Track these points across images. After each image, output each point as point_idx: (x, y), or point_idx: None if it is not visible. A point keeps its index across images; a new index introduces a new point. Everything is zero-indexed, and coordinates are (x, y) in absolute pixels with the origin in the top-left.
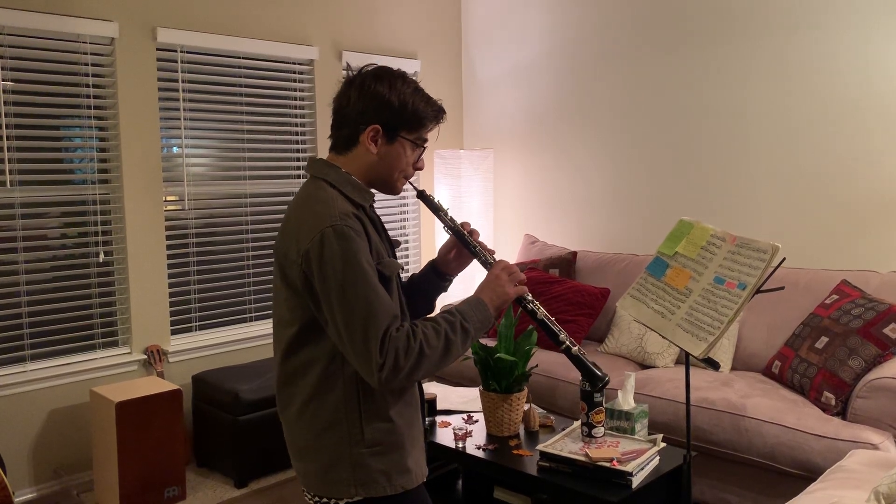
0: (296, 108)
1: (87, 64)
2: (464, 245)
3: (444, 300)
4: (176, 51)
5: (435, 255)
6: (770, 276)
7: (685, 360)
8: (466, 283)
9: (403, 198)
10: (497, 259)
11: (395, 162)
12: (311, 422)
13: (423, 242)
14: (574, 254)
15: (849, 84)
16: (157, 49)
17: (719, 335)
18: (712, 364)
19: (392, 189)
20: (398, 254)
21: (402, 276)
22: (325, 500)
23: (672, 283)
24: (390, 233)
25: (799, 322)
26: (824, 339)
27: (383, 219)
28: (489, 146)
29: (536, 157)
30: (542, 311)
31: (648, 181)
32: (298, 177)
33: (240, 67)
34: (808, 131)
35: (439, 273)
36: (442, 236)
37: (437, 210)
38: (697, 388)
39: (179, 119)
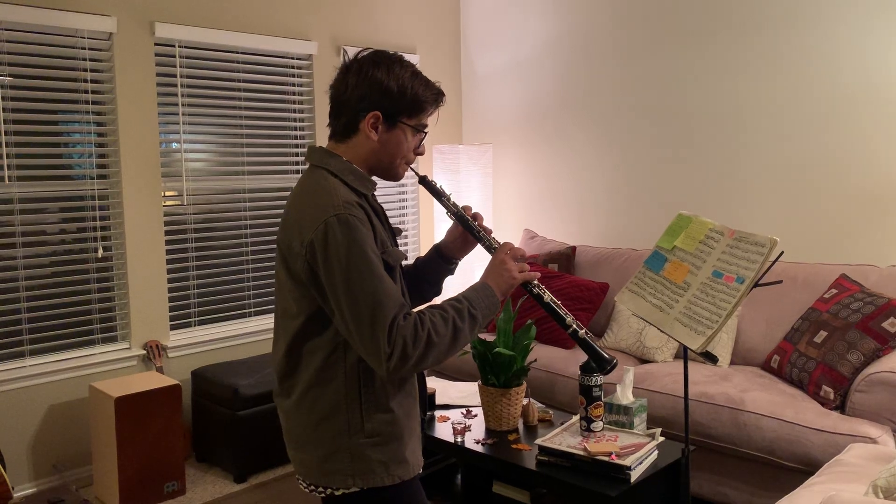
0: (294, 102)
1: (84, 59)
2: (467, 230)
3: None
4: (174, 46)
5: (435, 242)
6: (768, 269)
7: (684, 354)
8: (466, 273)
9: (402, 185)
10: (501, 242)
11: (397, 148)
12: (310, 411)
13: (421, 229)
14: (573, 249)
15: (849, 78)
16: (156, 44)
17: (717, 329)
18: (710, 358)
19: (394, 175)
20: (398, 241)
21: (404, 263)
22: (321, 489)
23: (670, 277)
24: (389, 220)
25: (798, 316)
26: (823, 334)
27: (382, 206)
28: (488, 141)
29: (536, 151)
30: (548, 296)
31: (647, 176)
32: (297, 172)
33: (238, 62)
34: (808, 125)
35: (445, 257)
36: (441, 223)
37: (439, 195)
38: (696, 383)
39: (178, 114)
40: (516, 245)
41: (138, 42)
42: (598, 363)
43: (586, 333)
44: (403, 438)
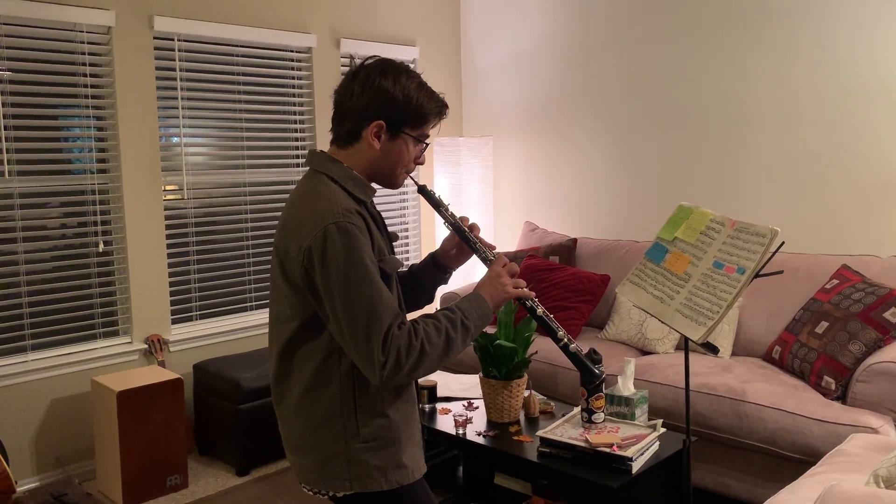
0: (294, 95)
1: (84, 53)
2: (464, 241)
3: (442, 290)
4: (173, 39)
5: (435, 248)
6: (769, 260)
7: (685, 345)
8: (467, 275)
9: (403, 191)
10: (497, 255)
11: (398, 158)
12: (307, 417)
13: (422, 235)
14: (574, 241)
15: (850, 69)
16: (154, 38)
17: (718, 319)
18: (711, 349)
19: (393, 184)
20: (396, 247)
21: (400, 269)
22: (321, 492)
23: (671, 269)
24: (389, 226)
25: (799, 307)
26: (824, 324)
27: (383, 212)
28: (488, 133)
29: (536, 144)
30: (541, 309)
31: (648, 167)
32: (297, 165)
33: (237, 56)
34: (808, 116)
35: (440, 266)
36: (442, 229)
37: (437, 205)
38: (697, 374)
39: (177, 108)
40: (516, 238)
41: (137, 36)
42: (587, 377)
43: (576, 347)
44: (401, 443)
